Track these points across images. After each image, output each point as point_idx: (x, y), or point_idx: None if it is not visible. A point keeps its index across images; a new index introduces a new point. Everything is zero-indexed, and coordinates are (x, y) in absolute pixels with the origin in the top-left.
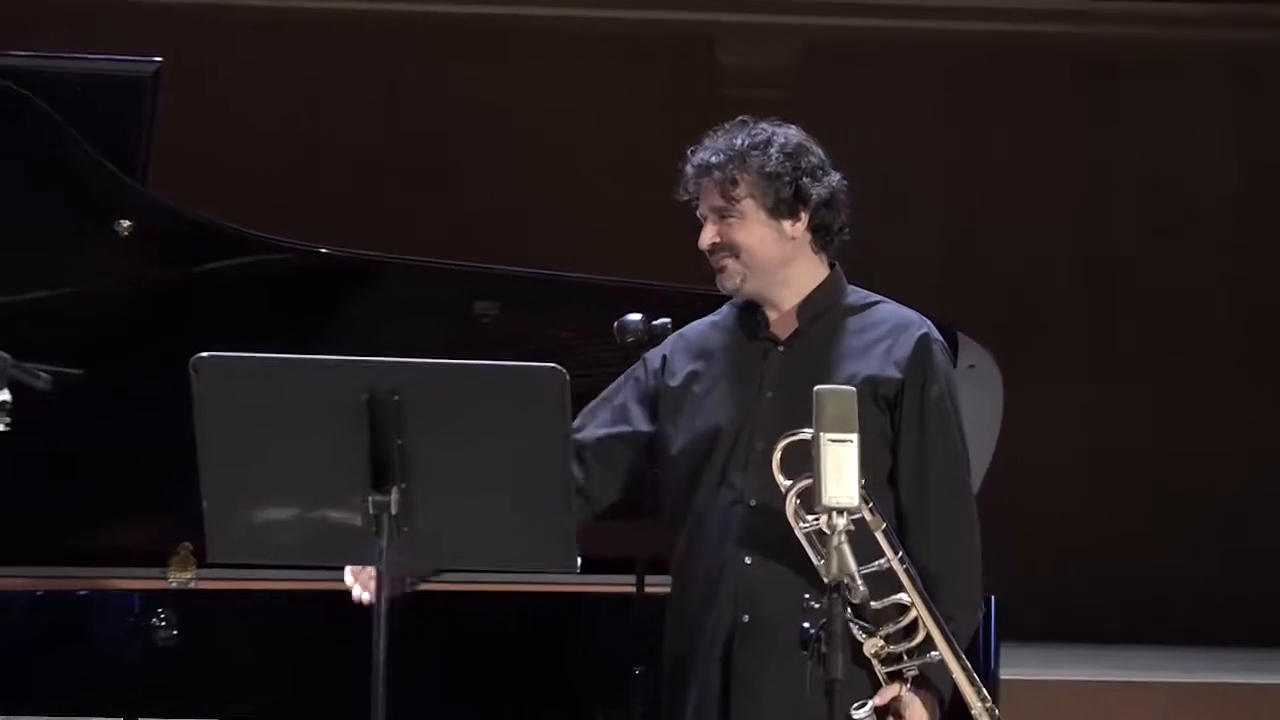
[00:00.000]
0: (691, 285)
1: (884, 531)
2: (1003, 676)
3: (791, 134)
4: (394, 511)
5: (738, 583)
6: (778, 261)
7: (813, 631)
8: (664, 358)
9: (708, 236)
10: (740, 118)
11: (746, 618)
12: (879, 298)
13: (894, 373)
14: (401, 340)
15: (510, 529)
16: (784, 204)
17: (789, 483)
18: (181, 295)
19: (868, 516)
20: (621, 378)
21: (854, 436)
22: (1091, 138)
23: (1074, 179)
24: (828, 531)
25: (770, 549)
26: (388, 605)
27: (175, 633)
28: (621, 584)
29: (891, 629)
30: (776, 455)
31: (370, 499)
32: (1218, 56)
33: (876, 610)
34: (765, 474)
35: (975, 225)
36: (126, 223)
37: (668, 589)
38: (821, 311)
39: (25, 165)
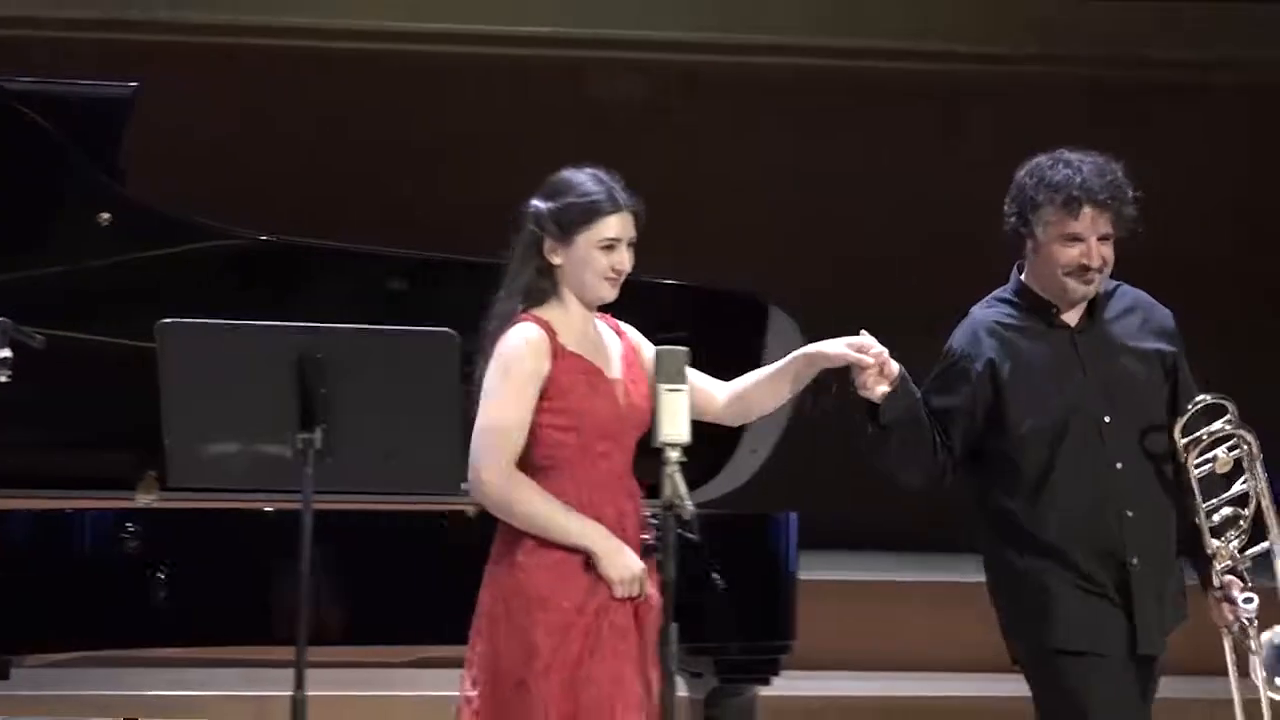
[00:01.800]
0: None
1: (1249, 459)
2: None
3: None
4: (318, 446)
5: (1125, 533)
6: None
7: (659, 540)
8: (989, 360)
9: (1099, 256)
10: (1081, 150)
11: (1135, 560)
12: (1115, 281)
13: (1168, 345)
14: (328, 308)
15: (411, 461)
16: (1126, 227)
17: (1186, 440)
18: (150, 273)
19: (1250, 446)
20: (954, 386)
21: (686, 386)
22: (934, 150)
23: (912, 189)
24: (1219, 470)
25: (1145, 502)
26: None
27: (140, 542)
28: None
29: (1233, 534)
30: (1179, 424)
31: (299, 436)
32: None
33: (1221, 522)
34: (1121, 439)
35: (825, 223)
36: (106, 215)
37: None
38: (1094, 299)
39: (27, 170)
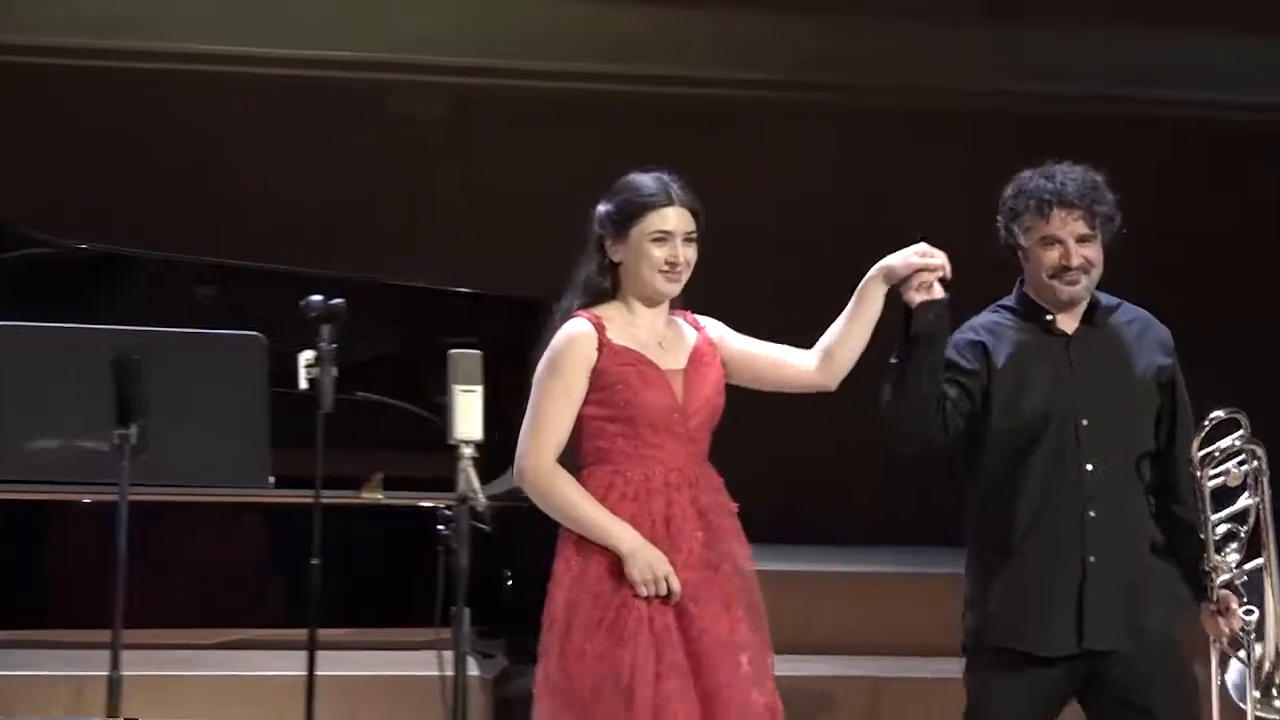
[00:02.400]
0: (362, 274)
1: (1255, 474)
2: None
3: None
4: (134, 442)
5: (1087, 532)
6: None
7: (452, 531)
8: (986, 348)
9: (1080, 256)
10: (1067, 163)
11: (1093, 559)
12: (1118, 299)
13: (1165, 358)
14: (144, 312)
15: (221, 455)
16: (1111, 230)
17: (1201, 453)
18: None
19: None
20: (958, 360)
21: (479, 388)
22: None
23: None
24: (1230, 484)
25: (1111, 504)
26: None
27: None
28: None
29: (1232, 547)
30: (1197, 440)
31: (116, 432)
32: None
33: (1221, 537)
34: (1096, 442)
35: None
36: None
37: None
38: (1093, 308)
39: None
